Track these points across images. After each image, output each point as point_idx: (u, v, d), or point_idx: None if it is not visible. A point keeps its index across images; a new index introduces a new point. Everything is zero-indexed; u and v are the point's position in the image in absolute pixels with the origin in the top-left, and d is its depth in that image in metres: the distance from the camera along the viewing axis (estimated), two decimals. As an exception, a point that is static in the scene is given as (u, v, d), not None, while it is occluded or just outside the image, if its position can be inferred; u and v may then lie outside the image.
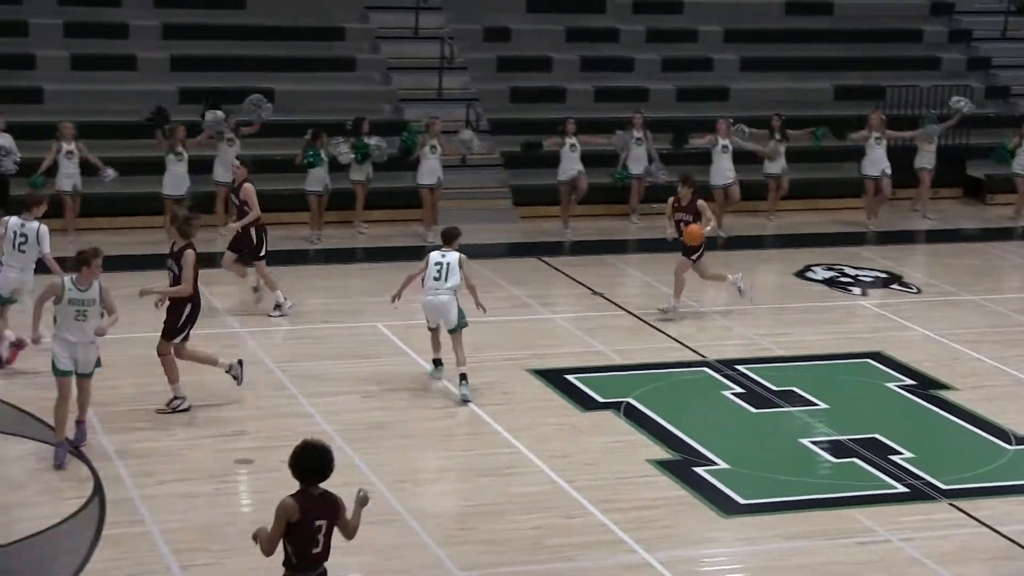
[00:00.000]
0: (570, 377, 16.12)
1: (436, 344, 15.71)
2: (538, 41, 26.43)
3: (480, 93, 25.03)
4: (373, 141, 21.88)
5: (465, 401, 15.22)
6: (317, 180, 21.60)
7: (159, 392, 14.95)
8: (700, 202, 18.36)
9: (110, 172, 20.82)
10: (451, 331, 15.37)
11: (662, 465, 13.81)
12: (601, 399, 15.49)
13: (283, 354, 16.53)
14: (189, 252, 14.46)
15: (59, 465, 12.99)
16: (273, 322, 17.73)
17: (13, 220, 15.86)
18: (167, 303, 14.64)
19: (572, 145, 22.67)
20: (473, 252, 21.18)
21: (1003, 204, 25.42)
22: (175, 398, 14.61)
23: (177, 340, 14.62)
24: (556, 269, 20.87)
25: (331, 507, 9.03)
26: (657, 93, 25.94)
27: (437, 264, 15.47)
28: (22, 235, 15.70)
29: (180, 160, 20.99)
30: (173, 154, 20.95)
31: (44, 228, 15.80)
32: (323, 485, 9.08)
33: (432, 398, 15.40)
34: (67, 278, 13.25)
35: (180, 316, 14.58)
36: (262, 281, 18.09)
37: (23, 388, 15.02)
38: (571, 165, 22.70)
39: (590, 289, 19.59)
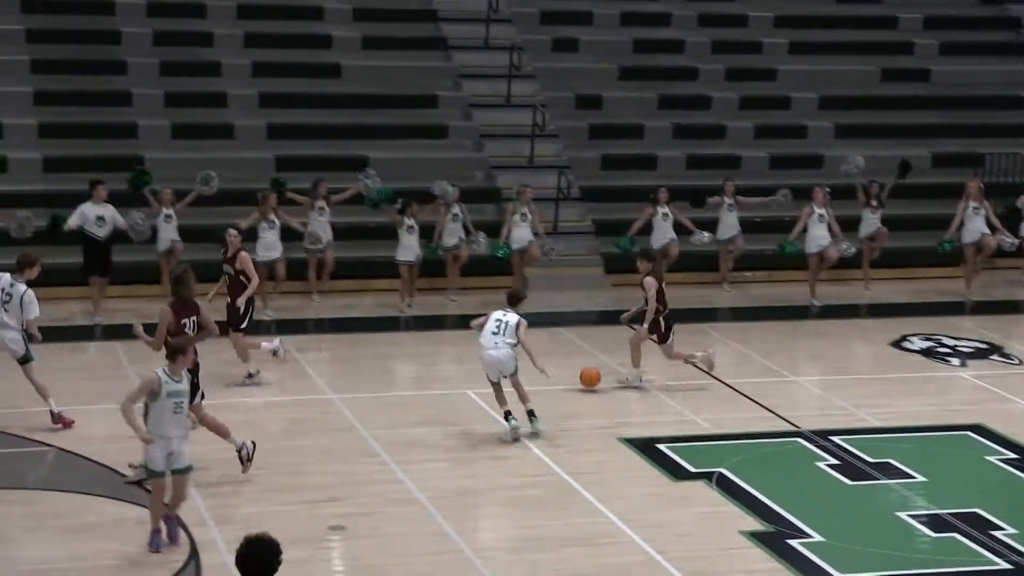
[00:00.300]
0: (661, 446, 16.04)
1: (501, 398, 15.94)
2: (630, 108, 26.54)
3: (571, 160, 25.14)
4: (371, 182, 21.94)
5: (536, 434, 15.70)
6: (408, 249, 21.75)
7: (255, 456, 15.10)
8: (648, 279, 17.84)
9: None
10: (512, 375, 15.79)
11: (756, 537, 13.67)
12: (693, 469, 15.39)
13: (374, 420, 16.60)
14: (163, 308, 14.56)
15: (155, 550, 12.68)
16: (364, 388, 17.80)
17: (4, 277, 15.74)
18: None
19: (664, 214, 22.67)
20: (563, 319, 21.46)
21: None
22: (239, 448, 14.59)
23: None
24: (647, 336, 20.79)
25: None
26: (749, 160, 25.90)
27: (498, 321, 15.92)
28: (7, 294, 15.55)
29: (272, 227, 21.21)
30: (266, 222, 21.19)
31: (31, 294, 15.58)
32: None
33: (522, 465, 15.39)
34: (161, 371, 12.54)
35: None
36: (236, 351, 17.64)
37: (120, 453, 15.19)
38: (664, 233, 22.70)
39: (683, 358, 19.49)
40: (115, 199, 20.87)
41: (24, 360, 15.78)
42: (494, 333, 15.86)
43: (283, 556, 8.02)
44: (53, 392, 16.01)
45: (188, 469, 12.66)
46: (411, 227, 21.74)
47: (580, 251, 24.07)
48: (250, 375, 17.68)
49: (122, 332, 19.52)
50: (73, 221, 20.47)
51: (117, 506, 13.85)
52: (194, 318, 14.55)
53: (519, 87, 25.94)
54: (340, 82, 25.64)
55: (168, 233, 21.27)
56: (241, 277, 17.53)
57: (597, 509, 14.22)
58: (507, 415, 15.96)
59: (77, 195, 20.84)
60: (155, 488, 12.59)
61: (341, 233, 22.17)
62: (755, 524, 13.97)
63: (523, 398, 15.93)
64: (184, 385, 12.61)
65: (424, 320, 21.51)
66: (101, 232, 20.44)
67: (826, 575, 12.95)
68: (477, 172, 25.03)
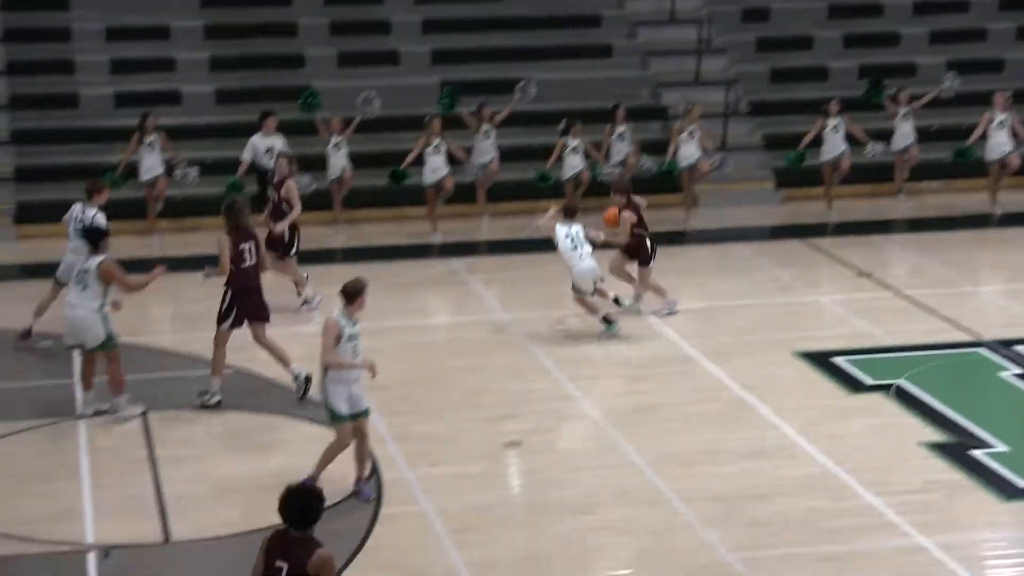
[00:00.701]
0: (837, 359, 15.84)
1: (595, 305, 16.50)
2: (798, 19, 26.03)
3: (739, 75, 24.79)
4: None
5: (638, 311, 16.81)
6: (570, 169, 21.70)
7: (435, 376, 15.35)
8: (625, 214, 17.00)
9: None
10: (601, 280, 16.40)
11: (936, 448, 13.47)
12: (870, 381, 15.19)
13: (548, 338, 16.67)
14: (221, 236, 14.57)
15: (366, 499, 12.50)
16: (536, 307, 17.84)
17: (76, 206, 15.92)
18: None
19: (835, 126, 22.26)
20: (737, 235, 21.26)
21: None
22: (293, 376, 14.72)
23: (224, 326, 14.59)
24: (820, 250, 20.54)
25: (300, 553, 8.30)
26: (925, 68, 25.23)
27: (568, 236, 16.28)
28: (79, 220, 15.62)
29: (439, 152, 21.33)
30: (431, 146, 21.31)
31: (101, 217, 15.59)
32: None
33: (696, 380, 15.35)
34: (338, 316, 12.22)
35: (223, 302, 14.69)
36: (292, 278, 17.63)
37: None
38: (835, 146, 22.31)
39: (856, 270, 19.20)
40: (284, 129, 21.14)
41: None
42: (573, 249, 16.16)
43: (325, 501, 8.35)
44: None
45: (368, 411, 12.54)
46: (575, 148, 21.68)
47: (750, 166, 23.77)
48: (306, 301, 17.62)
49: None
50: (246, 155, 20.81)
51: (299, 424, 14.16)
52: (252, 244, 14.65)
53: (683, 2, 25.60)
54: (503, 5, 25.56)
55: (338, 160, 21.51)
56: (284, 205, 17.39)
57: (773, 423, 14.14)
58: (607, 320, 16.40)
59: (248, 126, 21.17)
60: (341, 432, 12.39)
61: (505, 155, 22.21)
62: (935, 435, 13.76)
63: (607, 295, 16.51)
64: (359, 328, 12.36)
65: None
66: (271, 163, 20.74)
67: (1011, 485, 12.73)
68: (643, 91, 24.82)
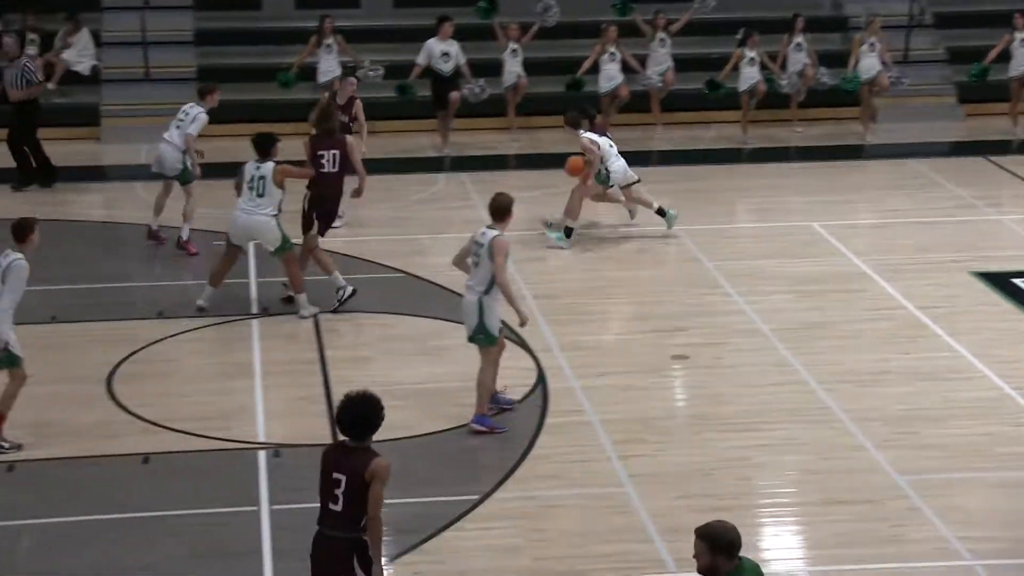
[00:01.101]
0: (1018, 281, 15.43)
1: (637, 202, 17.04)
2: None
3: (924, -15, 24.06)
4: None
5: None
6: (747, 80, 21.35)
7: (602, 287, 15.33)
8: (586, 138, 16.46)
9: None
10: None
11: (1118, 375, 13.08)
12: (1051, 304, 14.79)
13: (718, 252, 16.51)
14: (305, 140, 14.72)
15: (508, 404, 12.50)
16: (707, 220, 17.68)
17: (187, 106, 16.47)
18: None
19: (1023, 39, 21.51)
20: (915, 151, 20.76)
21: None
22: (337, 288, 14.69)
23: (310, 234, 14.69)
24: (1004, 169, 19.97)
25: (356, 464, 8.22)
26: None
27: (611, 145, 16.72)
28: (185, 113, 16.32)
29: (614, 59, 21.19)
30: (607, 54, 21.17)
31: (203, 116, 16.27)
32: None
33: (870, 299, 15.08)
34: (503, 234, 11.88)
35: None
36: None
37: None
38: (1022, 61, 21.56)
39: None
40: (460, 34, 21.11)
41: (183, 180, 16.37)
42: (610, 146, 16.64)
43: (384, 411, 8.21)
44: (408, 224, 16.57)
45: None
46: (752, 59, 21.30)
47: (932, 80, 23.13)
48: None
49: (468, 164, 20.04)
50: (420, 59, 20.85)
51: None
52: (336, 152, 14.59)
53: (870, -90, 24.89)
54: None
55: (514, 67, 21.45)
56: (352, 125, 16.85)
57: (948, 344, 13.86)
58: (661, 211, 16.85)
59: (426, 31, 21.19)
60: (495, 350, 12.02)
61: (680, 65, 21.92)
62: (1119, 361, 13.36)
63: (647, 203, 16.95)
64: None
65: (766, 152, 21.15)
66: (446, 67, 20.77)
67: None
68: (824, 1, 24.24)
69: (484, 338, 11.94)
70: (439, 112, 20.92)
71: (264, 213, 14.22)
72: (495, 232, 11.82)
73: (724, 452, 11.76)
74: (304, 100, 21.40)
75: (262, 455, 11.69)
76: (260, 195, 14.21)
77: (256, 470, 11.47)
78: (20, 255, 11.44)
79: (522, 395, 12.74)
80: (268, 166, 14.19)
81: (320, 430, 12.10)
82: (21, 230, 11.56)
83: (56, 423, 12.19)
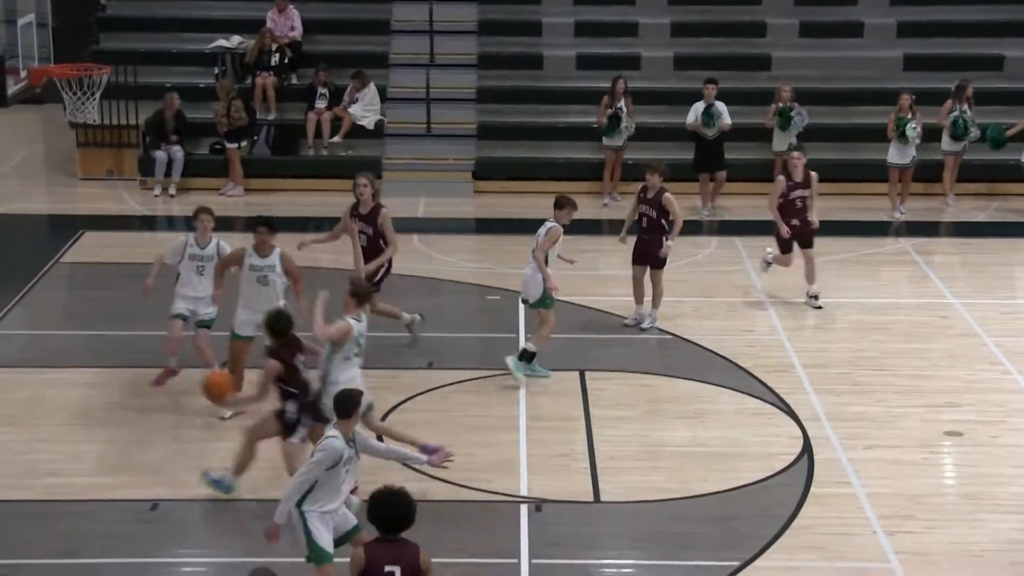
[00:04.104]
0: None
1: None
2: None
3: None
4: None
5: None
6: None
7: (875, 357, 15.00)
8: (667, 195, 15.63)
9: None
10: None
11: None
12: None
13: (997, 327, 15.96)
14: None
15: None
16: (986, 294, 17.13)
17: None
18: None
19: None
20: None
21: None
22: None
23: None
24: None
25: (406, 555, 8.34)
26: None
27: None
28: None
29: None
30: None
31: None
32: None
33: None
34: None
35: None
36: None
37: (738, 345, 15.44)
38: None
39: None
40: (730, 97, 21.00)
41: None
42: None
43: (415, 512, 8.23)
44: (678, 286, 16.51)
45: None
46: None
47: None
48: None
49: (737, 228, 19.84)
50: (689, 119, 20.79)
51: (732, 395, 14.11)
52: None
53: None
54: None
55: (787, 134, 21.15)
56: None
57: None
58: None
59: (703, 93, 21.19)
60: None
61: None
62: None
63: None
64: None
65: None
66: (710, 130, 20.61)
67: None
68: None
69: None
70: (701, 174, 20.79)
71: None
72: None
73: (998, 534, 11.32)
74: (583, 160, 21.65)
75: (524, 508, 11.74)
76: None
77: (518, 523, 11.52)
78: None
79: (786, 463, 12.52)
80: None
81: (581, 487, 12.11)
82: None
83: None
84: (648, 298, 15.87)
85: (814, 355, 15.08)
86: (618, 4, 24.26)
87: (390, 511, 8.36)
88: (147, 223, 20.29)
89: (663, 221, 15.59)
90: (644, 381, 14.53)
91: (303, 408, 11.41)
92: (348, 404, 9.91)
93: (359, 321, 11.74)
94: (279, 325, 11.55)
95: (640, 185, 15.85)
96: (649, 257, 15.73)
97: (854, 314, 16.39)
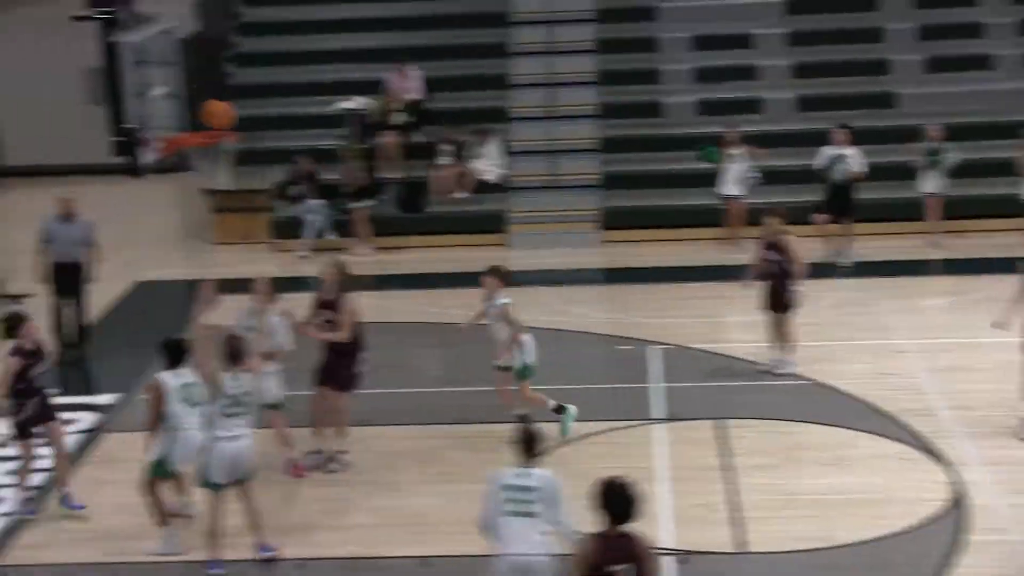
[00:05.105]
0: None
1: None
2: None
3: None
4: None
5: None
6: None
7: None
8: (789, 240, 15.32)
9: None
10: None
11: None
12: None
13: None
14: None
15: None
16: None
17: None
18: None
19: None
20: None
21: None
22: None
23: None
24: None
25: (638, 549, 8.12)
26: None
27: None
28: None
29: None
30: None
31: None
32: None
33: None
34: None
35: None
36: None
37: (878, 388, 15.13)
38: None
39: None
40: (856, 137, 20.67)
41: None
42: None
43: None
44: (818, 330, 16.24)
45: None
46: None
47: None
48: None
49: (872, 270, 19.50)
50: (818, 161, 20.51)
51: (876, 441, 13.78)
52: None
53: None
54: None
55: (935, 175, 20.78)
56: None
57: None
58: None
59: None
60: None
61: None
62: None
63: None
64: None
65: None
66: (837, 174, 20.29)
67: None
68: None
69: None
70: (836, 217, 20.47)
71: None
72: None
73: None
74: (708, 206, 21.47)
75: (670, 561, 11.54)
76: None
77: (664, 576, 11.33)
78: None
79: (935, 509, 12.18)
80: None
81: (723, 537, 11.88)
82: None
83: (472, 520, 12.37)
84: (782, 344, 15.63)
85: (957, 397, 14.70)
86: (736, 48, 24.14)
87: (623, 500, 8.18)
88: (283, 285, 20.37)
89: (786, 266, 15.37)
90: (781, 428, 14.25)
91: None
92: None
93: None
94: None
95: (762, 231, 15.65)
96: (776, 303, 15.51)
97: (996, 353, 15.95)
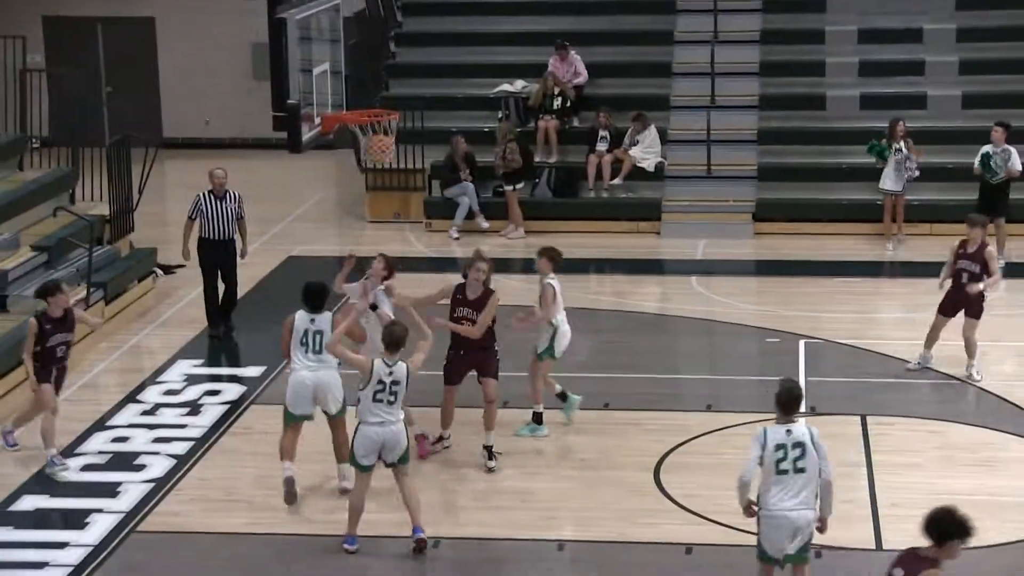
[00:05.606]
0: None
1: None
2: None
3: None
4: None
5: None
6: None
7: None
8: (989, 249, 14.68)
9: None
10: None
11: None
12: None
13: None
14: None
15: None
16: None
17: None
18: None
19: None
20: None
21: None
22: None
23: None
24: None
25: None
26: None
27: None
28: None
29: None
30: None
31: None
32: None
33: None
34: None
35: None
36: None
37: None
38: None
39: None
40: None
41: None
42: None
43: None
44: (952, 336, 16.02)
45: None
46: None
47: None
48: None
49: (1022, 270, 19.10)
50: (976, 162, 20.10)
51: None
52: None
53: None
54: None
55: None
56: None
57: None
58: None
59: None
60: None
61: None
62: None
63: None
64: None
65: None
66: (992, 175, 19.82)
67: None
68: None
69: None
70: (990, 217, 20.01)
71: None
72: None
73: None
74: (866, 201, 21.19)
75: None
76: None
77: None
78: None
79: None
80: None
81: (865, 534, 11.78)
82: None
83: (603, 507, 12.46)
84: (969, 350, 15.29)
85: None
86: (904, 42, 23.74)
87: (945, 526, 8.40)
88: (433, 265, 20.66)
89: (984, 276, 15.07)
90: (929, 427, 14.07)
91: None
92: None
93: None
94: None
95: (959, 239, 15.31)
96: (964, 306, 15.15)
97: None
